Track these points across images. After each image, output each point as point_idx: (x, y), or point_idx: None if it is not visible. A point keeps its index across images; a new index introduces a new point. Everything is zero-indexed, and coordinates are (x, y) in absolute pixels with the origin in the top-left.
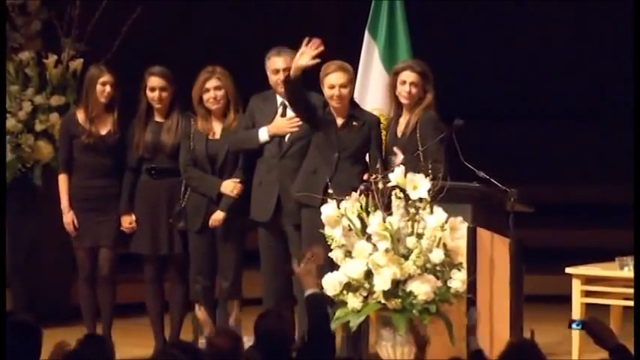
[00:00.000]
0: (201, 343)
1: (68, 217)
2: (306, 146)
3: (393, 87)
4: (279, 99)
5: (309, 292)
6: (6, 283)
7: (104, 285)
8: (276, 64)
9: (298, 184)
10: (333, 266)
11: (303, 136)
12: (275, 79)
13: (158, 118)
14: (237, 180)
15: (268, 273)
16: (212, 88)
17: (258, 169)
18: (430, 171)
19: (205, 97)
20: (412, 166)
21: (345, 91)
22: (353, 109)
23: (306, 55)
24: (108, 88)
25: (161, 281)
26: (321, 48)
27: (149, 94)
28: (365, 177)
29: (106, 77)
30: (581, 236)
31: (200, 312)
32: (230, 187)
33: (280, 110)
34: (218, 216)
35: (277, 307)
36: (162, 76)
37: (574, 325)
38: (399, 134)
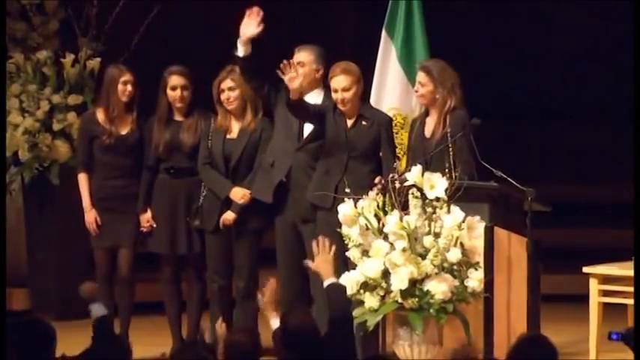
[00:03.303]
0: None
1: (90, 216)
2: (322, 146)
3: None
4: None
5: (328, 281)
6: (6, 283)
7: (123, 285)
8: (295, 58)
9: (313, 186)
10: (348, 265)
11: (322, 134)
12: None
13: (178, 118)
14: (248, 191)
15: (284, 272)
16: (226, 89)
17: (271, 151)
18: (458, 170)
19: (221, 97)
20: (441, 165)
21: (347, 94)
22: (363, 108)
23: (294, 79)
24: (129, 87)
25: (179, 280)
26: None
27: (170, 93)
28: (376, 180)
29: (126, 76)
30: (599, 236)
31: (220, 327)
32: (239, 194)
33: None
34: (229, 216)
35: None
36: (183, 75)
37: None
38: (428, 134)
